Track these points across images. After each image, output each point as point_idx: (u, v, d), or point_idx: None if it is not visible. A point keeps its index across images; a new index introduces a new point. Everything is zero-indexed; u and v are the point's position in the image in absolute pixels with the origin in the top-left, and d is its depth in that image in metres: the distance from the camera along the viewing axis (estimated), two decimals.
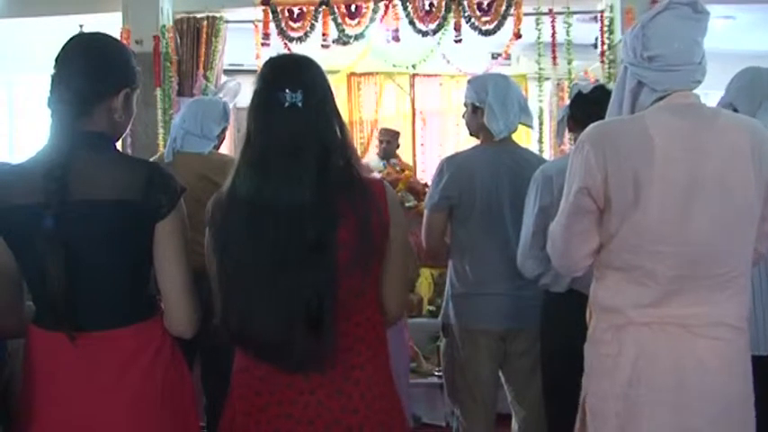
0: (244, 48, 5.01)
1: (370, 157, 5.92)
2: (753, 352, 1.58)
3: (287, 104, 1.40)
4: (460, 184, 2.38)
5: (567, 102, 2.33)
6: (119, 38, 4.39)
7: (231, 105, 4.32)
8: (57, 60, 1.48)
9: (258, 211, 1.38)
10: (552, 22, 4.61)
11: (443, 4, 4.46)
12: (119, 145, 1.57)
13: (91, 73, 1.46)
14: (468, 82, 2.55)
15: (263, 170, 1.39)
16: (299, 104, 1.40)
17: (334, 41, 4.58)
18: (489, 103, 2.43)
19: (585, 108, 2.16)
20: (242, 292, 1.38)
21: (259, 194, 1.38)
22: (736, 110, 1.98)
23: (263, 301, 1.37)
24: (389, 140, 5.80)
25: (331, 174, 1.40)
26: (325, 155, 1.40)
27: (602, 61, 4.55)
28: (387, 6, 4.49)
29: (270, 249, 1.36)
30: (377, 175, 3.95)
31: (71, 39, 1.51)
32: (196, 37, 4.77)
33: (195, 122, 2.75)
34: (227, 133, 3.05)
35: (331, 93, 1.49)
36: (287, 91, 1.40)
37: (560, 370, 2.03)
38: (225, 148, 3.26)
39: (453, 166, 2.42)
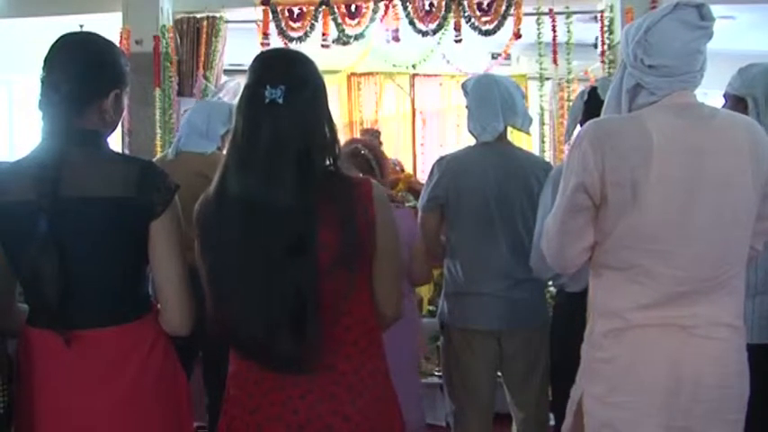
0: (244, 48, 4.98)
1: None
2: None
3: (267, 101, 1.36)
4: (447, 185, 2.39)
5: (579, 101, 2.32)
6: (119, 38, 4.45)
7: None
8: (45, 62, 1.46)
9: (243, 210, 1.36)
10: (552, 22, 4.60)
11: (443, 4, 4.45)
12: (117, 146, 1.57)
13: (81, 77, 1.44)
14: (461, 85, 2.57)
15: (247, 168, 1.36)
16: (280, 101, 1.35)
17: (334, 41, 4.58)
18: (469, 105, 2.46)
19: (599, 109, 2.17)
20: (229, 292, 1.37)
21: (243, 193, 1.36)
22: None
23: (247, 301, 1.35)
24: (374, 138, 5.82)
25: (313, 173, 1.36)
26: (307, 154, 1.36)
27: (603, 61, 4.55)
28: (387, 6, 4.48)
29: (254, 249, 1.34)
30: None
31: (58, 40, 1.48)
32: (196, 37, 4.77)
33: (202, 120, 2.79)
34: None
35: (323, 90, 1.45)
36: (267, 87, 1.36)
37: (572, 373, 2.02)
38: None
39: (443, 166, 2.43)
